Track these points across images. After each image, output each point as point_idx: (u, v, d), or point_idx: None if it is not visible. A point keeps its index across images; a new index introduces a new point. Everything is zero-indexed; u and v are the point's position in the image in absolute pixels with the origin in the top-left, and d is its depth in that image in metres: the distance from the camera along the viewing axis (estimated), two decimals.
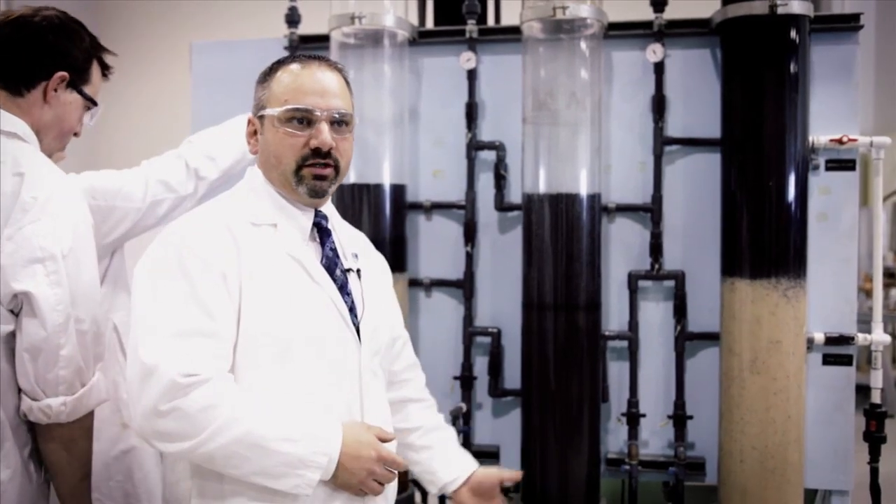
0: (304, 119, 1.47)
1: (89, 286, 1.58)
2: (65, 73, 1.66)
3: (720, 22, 2.37)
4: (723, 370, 2.39)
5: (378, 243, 2.52)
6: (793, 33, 2.28)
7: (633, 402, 2.53)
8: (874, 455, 2.39)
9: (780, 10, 2.24)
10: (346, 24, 2.51)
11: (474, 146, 2.63)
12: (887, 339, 2.43)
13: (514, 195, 2.60)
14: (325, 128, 1.46)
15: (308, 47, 2.73)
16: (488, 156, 2.64)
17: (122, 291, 2.06)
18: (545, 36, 2.43)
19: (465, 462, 1.80)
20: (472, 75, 2.62)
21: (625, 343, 2.56)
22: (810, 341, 2.39)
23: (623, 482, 2.58)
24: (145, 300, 1.39)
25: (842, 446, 2.44)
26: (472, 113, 2.62)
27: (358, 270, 1.58)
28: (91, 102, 1.74)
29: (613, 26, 2.50)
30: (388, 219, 2.56)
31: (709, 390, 2.48)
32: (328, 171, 1.49)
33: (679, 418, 2.50)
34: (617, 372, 2.58)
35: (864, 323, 2.45)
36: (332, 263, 1.53)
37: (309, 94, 1.47)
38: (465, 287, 2.65)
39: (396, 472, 1.48)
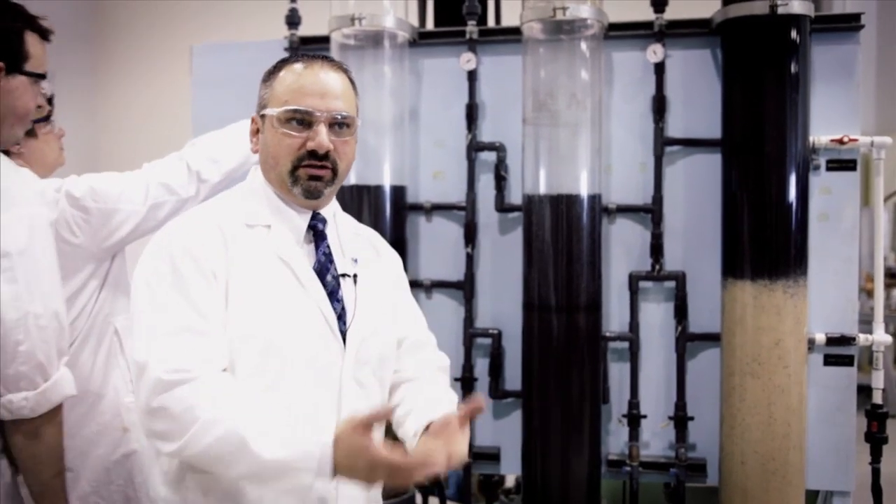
0: (303, 120, 1.45)
1: (48, 282, 1.57)
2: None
3: (721, 22, 2.37)
4: (724, 371, 2.39)
5: None
6: (793, 33, 2.27)
7: (633, 403, 2.53)
8: (876, 456, 2.39)
9: (781, 10, 2.23)
10: (347, 25, 2.51)
11: (474, 147, 2.63)
12: (888, 339, 2.43)
13: (515, 196, 2.60)
14: (322, 130, 1.44)
15: (308, 49, 2.73)
16: (489, 157, 2.64)
17: (123, 295, 2.05)
18: (545, 37, 2.43)
19: (428, 413, 1.51)
20: (472, 76, 2.62)
21: (625, 344, 2.55)
22: (811, 342, 2.38)
23: (624, 483, 2.58)
24: (141, 301, 1.39)
25: (843, 447, 2.43)
26: (472, 114, 2.62)
27: (354, 276, 1.53)
28: (38, 77, 1.65)
29: (614, 27, 2.50)
30: (388, 220, 2.56)
31: (710, 391, 2.48)
32: (324, 173, 1.46)
33: (680, 419, 2.50)
34: (618, 373, 2.58)
35: (866, 323, 2.45)
36: (324, 268, 1.49)
37: (309, 95, 1.46)
38: (465, 288, 2.65)
39: (408, 475, 1.28)
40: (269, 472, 1.27)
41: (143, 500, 1.99)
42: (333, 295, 1.47)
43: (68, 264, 1.84)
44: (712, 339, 2.48)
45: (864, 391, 2.45)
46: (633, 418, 2.52)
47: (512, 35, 2.57)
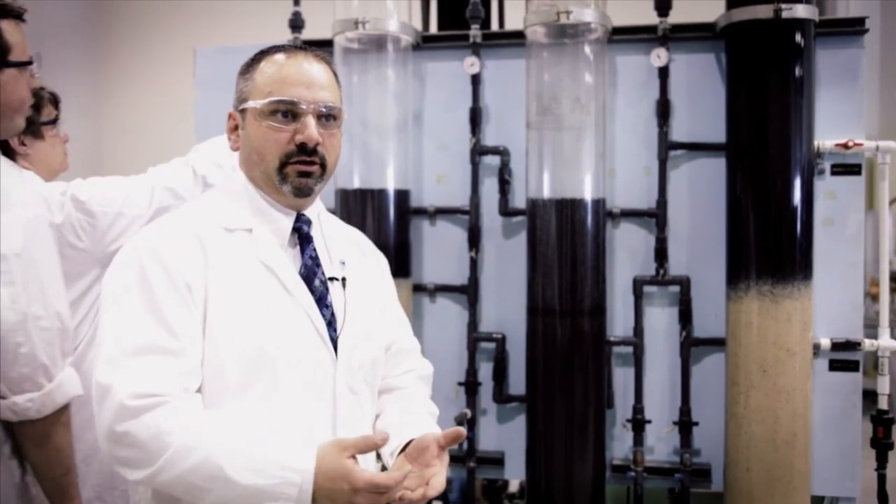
0: (288, 112, 1.35)
1: (48, 283, 1.56)
2: None
3: (725, 26, 2.37)
4: (728, 376, 2.38)
5: (382, 248, 2.52)
6: (798, 37, 2.27)
7: (638, 408, 2.52)
8: (881, 461, 2.38)
9: (785, 15, 2.23)
10: (350, 29, 2.50)
11: (478, 151, 2.62)
12: (894, 344, 2.41)
13: (519, 200, 2.59)
14: (311, 122, 1.35)
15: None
16: (492, 161, 2.64)
17: None
18: (549, 40, 2.43)
19: (408, 430, 1.48)
20: (475, 80, 2.62)
21: (630, 349, 2.55)
22: (816, 347, 2.37)
23: (628, 489, 2.56)
24: (108, 317, 1.29)
25: (849, 452, 2.42)
26: (476, 118, 2.62)
27: (343, 279, 1.45)
28: (25, 64, 1.61)
29: (618, 31, 2.50)
30: (392, 224, 2.56)
31: (714, 396, 2.47)
32: (314, 169, 1.37)
33: (685, 424, 2.49)
34: (622, 378, 2.57)
35: (871, 328, 2.44)
36: (311, 273, 1.40)
37: (294, 85, 1.36)
38: (469, 292, 2.64)
39: (390, 493, 1.22)
40: (246, 501, 1.20)
41: None
42: (322, 301, 1.39)
43: (73, 268, 1.84)
44: (717, 343, 2.47)
45: (870, 396, 2.44)
46: (638, 423, 2.51)
47: (516, 39, 2.57)
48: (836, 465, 2.43)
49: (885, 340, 2.40)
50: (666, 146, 2.51)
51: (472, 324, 2.64)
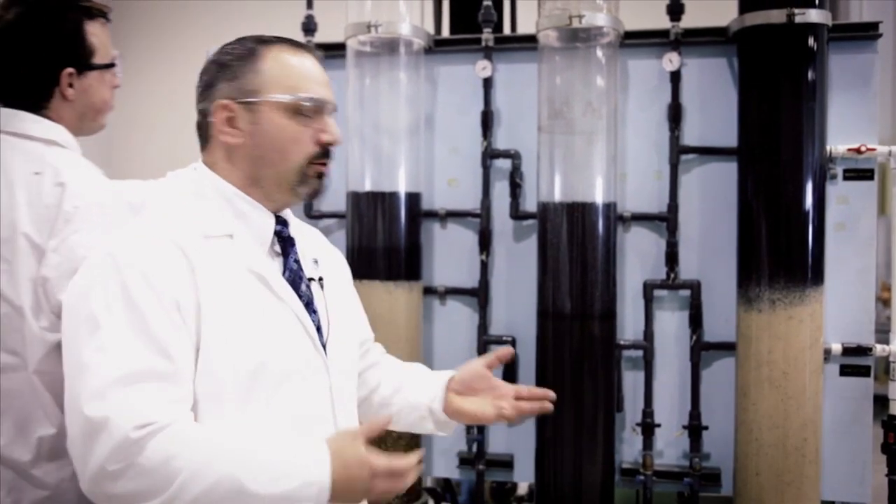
0: (307, 111, 1.30)
1: None
2: (70, 70, 1.57)
3: (737, 31, 2.37)
4: (738, 380, 2.38)
5: (393, 251, 2.56)
6: (810, 42, 2.27)
7: (647, 411, 2.52)
8: (892, 467, 2.36)
9: (798, 19, 2.23)
10: (363, 32, 2.51)
11: (490, 154, 2.63)
12: None
13: (530, 203, 2.60)
14: (333, 122, 1.31)
15: (325, 56, 2.73)
16: (503, 164, 2.64)
17: None
18: (561, 44, 2.43)
19: (438, 376, 1.57)
20: (487, 83, 2.62)
21: (640, 352, 2.54)
22: (827, 352, 2.37)
23: (637, 492, 2.57)
24: (82, 339, 1.16)
25: (859, 458, 2.42)
26: (487, 121, 2.62)
27: (320, 279, 1.40)
28: (108, 66, 1.64)
29: (629, 35, 2.50)
30: (403, 227, 2.56)
31: (724, 400, 2.47)
32: (329, 170, 1.33)
33: (694, 428, 2.48)
34: (632, 381, 2.57)
35: (882, 333, 2.44)
36: (296, 277, 1.34)
37: (319, 83, 1.32)
38: (479, 295, 2.65)
39: (406, 476, 1.21)
40: None
41: None
42: (310, 305, 1.33)
43: None
44: (727, 348, 2.47)
45: (881, 402, 2.44)
46: (647, 427, 2.51)
47: (528, 43, 2.58)
48: (846, 470, 2.42)
49: (895, 345, 2.40)
50: (677, 150, 2.51)
51: (483, 327, 2.65)
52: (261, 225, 1.32)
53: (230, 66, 1.31)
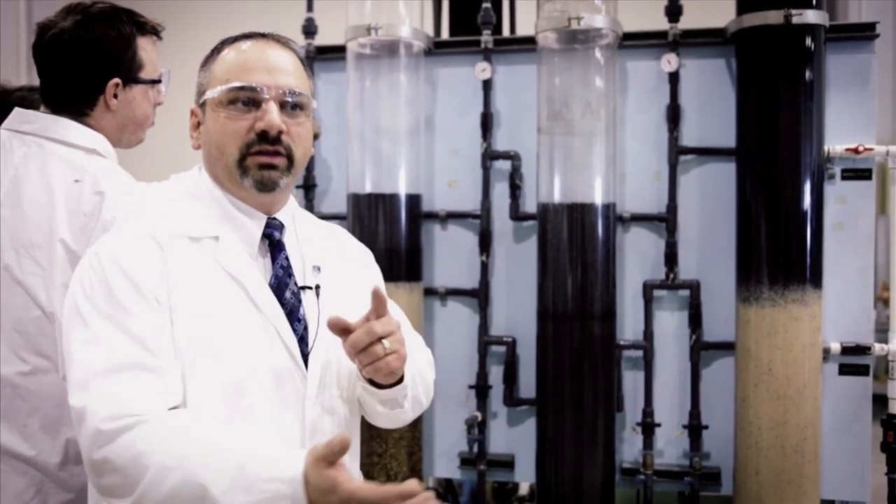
0: (249, 101, 1.24)
1: None
2: (116, 80, 1.60)
3: (735, 32, 2.38)
4: (738, 380, 2.39)
5: (393, 252, 2.57)
6: (808, 42, 2.28)
7: (647, 411, 2.53)
8: (892, 466, 2.37)
9: (795, 20, 2.24)
10: (363, 34, 2.53)
11: (489, 156, 2.64)
12: None
13: (529, 205, 2.61)
14: (273, 107, 1.23)
15: (325, 58, 2.76)
16: (503, 165, 2.65)
17: None
18: (560, 46, 2.44)
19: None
20: (487, 85, 2.64)
21: (640, 352, 2.55)
22: (826, 351, 2.38)
23: (638, 492, 2.57)
24: (74, 335, 1.17)
25: (859, 457, 2.42)
26: (487, 123, 2.63)
27: (317, 287, 1.31)
28: (154, 83, 1.68)
29: (628, 36, 2.52)
30: (403, 228, 2.57)
31: (724, 400, 2.48)
32: (278, 161, 1.24)
33: (694, 428, 2.49)
34: (632, 381, 2.58)
35: (881, 332, 2.44)
36: (282, 284, 1.27)
37: (254, 70, 1.25)
38: (480, 296, 2.66)
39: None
40: None
41: None
42: (293, 314, 1.26)
43: None
44: (726, 347, 2.48)
45: (880, 401, 2.45)
46: (648, 427, 2.52)
47: (527, 44, 2.59)
48: (845, 469, 2.43)
49: (895, 345, 2.40)
50: (676, 151, 2.52)
51: (483, 327, 2.66)
52: (246, 227, 1.28)
53: (199, 72, 1.33)
